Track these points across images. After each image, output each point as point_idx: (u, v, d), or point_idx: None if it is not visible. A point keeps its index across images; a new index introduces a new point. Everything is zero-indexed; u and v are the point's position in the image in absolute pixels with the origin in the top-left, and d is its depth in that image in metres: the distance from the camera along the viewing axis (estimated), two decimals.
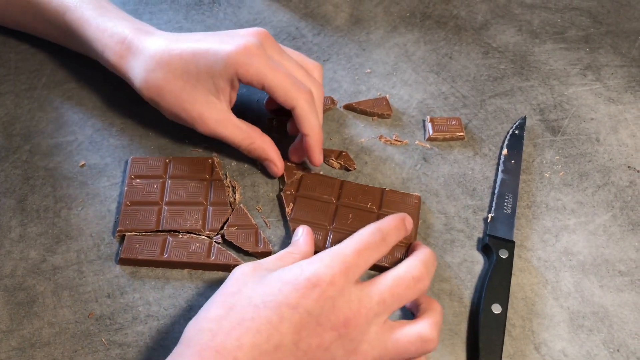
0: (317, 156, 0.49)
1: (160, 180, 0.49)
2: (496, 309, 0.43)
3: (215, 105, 0.48)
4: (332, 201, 0.49)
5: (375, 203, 0.49)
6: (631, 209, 0.51)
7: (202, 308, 0.38)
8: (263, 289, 0.37)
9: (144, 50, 0.48)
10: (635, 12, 0.69)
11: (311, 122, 0.47)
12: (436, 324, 0.40)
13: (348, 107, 0.57)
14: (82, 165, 0.51)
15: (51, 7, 0.53)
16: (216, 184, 0.49)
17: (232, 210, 0.48)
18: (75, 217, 0.48)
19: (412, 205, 0.49)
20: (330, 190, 0.50)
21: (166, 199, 0.48)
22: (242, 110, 0.55)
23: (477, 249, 0.48)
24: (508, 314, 0.44)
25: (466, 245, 0.48)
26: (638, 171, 0.54)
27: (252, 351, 0.35)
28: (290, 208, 0.48)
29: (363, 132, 0.55)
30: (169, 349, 0.41)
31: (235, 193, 0.49)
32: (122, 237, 0.46)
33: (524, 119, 0.57)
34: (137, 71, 0.48)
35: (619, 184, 0.53)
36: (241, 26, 0.64)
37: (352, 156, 0.53)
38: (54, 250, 0.46)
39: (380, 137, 0.55)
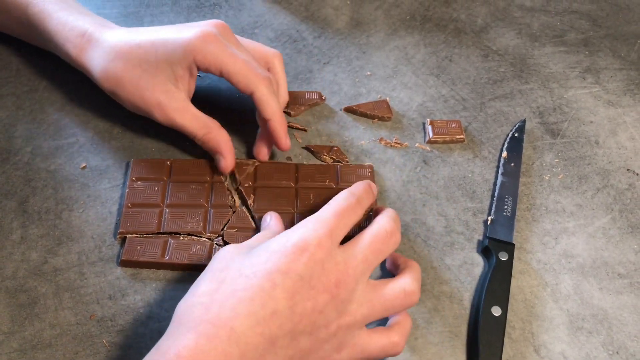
0: (284, 140, 0.49)
1: (162, 183, 0.49)
2: (496, 311, 0.43)
3: (174, 94, 0.48)
4: (291, 185, 0.50)
5: (332, 179, 0.50)
6: (630, 211, 0.51)
7: (191, 287, 0.37)
8: (251, 261, 0.37)
9: (104, 41, 0.49)
10: (634, 16, 0.69)
11: (272, 107, 0.48)
12: (417, 278, 0.41)
13: (348, 110, 0.57)
14: (84, 167, 0.52)
15: (13, 0, 0.53)
16: (217, 186, 0.49)
17: (233, 212, 0.48)
18: (76, 219, 0.48)
19: (366, 176, 0.51)
20: (287, 175, 0.50)
21: (167, 201, 0.48)
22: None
23: (477, 252, 0.48)
24: (508, 316, 0.44)
25: (466, 248, 0.48)
26: (637, 174, 0.54)
27: (248, 319, 0.34)
28: (252, 199, 0.49)
29: (363, 134, 0.56)
30: None
31: (233, 198, 0.49)
32: (123, 239, 0.47)
33: (524, 121, 0.57)
34: (97, 62, 0.49)
35: (618, 187, 0.53)
36: (242, 29, 0.65)
37: (352, 159, 0.53)
38: (55, 252, 0.46)
39: (381, 139, 0.55)
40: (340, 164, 0.52)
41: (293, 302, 0.36)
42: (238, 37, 0.51)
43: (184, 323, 0.35)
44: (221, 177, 0.50)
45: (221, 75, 0.47)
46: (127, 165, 0.51)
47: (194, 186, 0.49)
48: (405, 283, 0.40)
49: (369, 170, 0.51)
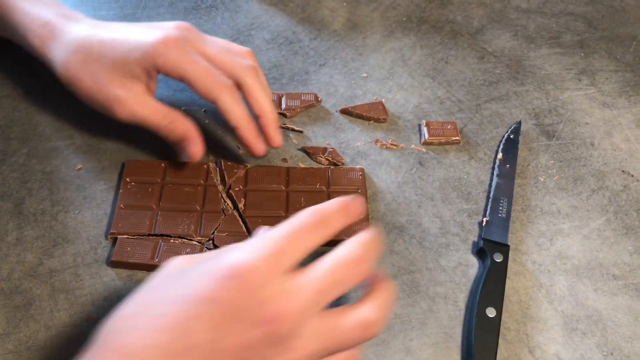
0: (255, 145, 0.48)
1: (155, 185, 0.49)
2: (491, 312, 0.44)
3: (132, 88, 0.47)
4: (282, 189, 0.50)
5: (323, 183, 0.50)
6: (625, 213, 0.51)
7: (123, 304, 0.33)
8: (183, 282, 0.33)
9: (66, 34, 0.49)
10: (629, 18, 0.69)
11: (236, 114, 0.47)
12: (381, 305, 0.35)
13: (344, 111, 0.58)
14: (79, 169, 0.52)
15: None
16: (210, 190, 0.49)
17: (225, 216, 0.48)
18: (72, 220, 0.48)
19: (357, 179, 0.51)
20: (278, 179, 0.50)
21: (160, 203, 0.48)
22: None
23: (472, 253, 0.48)
24: (502, 318, 0.44)
25: (461, 249, 0.48)
26: (632, 175, 0.54)
27: (160, 351, 0.30)
28: (242, 203, 0.49)
29: (359, 136, 0.56)
30: None
31: (226, 203, 0.49)
32: (115, 240, 0.47)
33: (519, 123, 0.57)
34: (58, 54, 0.49)
35: (613, 188, 0.53)
36: (239, 31, 0.65)
37: (348, 160, 0.54)
38: (51, 254, 0.46)
39: (376, 141, 0.55)
40: (331, 167, 0.52)
41: (216, 335, 0.31)
42: (214, 38, 0.50)
43: (97, 347, 0.32)
44: (215, 180, 0.50)
45: (182, 81, 0.46)
46: (122, 166, 0.52)
47: (187, 189, 0.49)
48: (366, 313, 0.34)
49: (360, 173, 0.51)
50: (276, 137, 0.49)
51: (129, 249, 0.45)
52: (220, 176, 0.51)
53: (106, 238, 0.47)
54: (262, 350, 0.32)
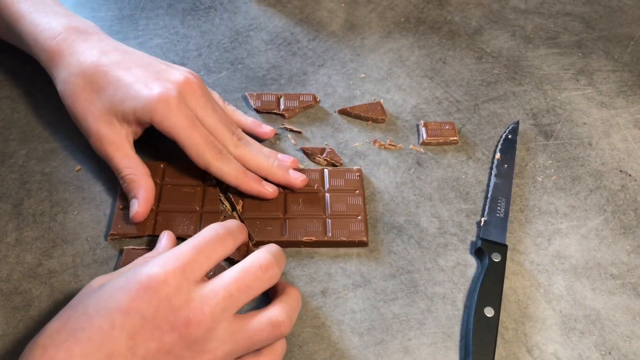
0: (265, 192, 0.48)
1: (155, 186, 0.49)
2: (489, 312, 0.44)
3: (115, 129, 0.48)
4: (280, 190, 0.50)
5: (321, 184, 0.51)
6: (623, 212, 0.52)
7: (48, 323, 0.36)
8: (98, 297, 0.36)
9: (74, 55, 0.49)
10: (627, 18, 0.69)
11: (232, 175, 0.47)
12: (287, 307, 0.39)
13: (342, 112, 0.58)
14: (78, 170, 0.52)
15: None
16: (209, 191, 0.50)
17: (224, 217, 0.48)
18: (71, 221, 0.48)
19: (354, 180, 0.51)
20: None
21: (159, 204, 0.48)
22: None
23: (470, 253, 0.48)
24: (501, 317, 0.44)
25: (459, 249, 0.48)
26: (630, 175, 0.54)
27: None
28: (241, 205, 0.49)
29: (357, 136, 0.56)
30: None
31: (224, 204, 0.49)
32: (120, 250, 0.46)
33: (517, 123, 0.57)
34: (62, 71, 0.49)
35: (611, 188, 0.53)
36: (237, 32, 0.65)
37: (346, 160, 0.54)
38: (50, 255, 0.46)
39: (375, 141, 0.55)
40: (329, 169, 0.52)
41: (134, 343, 0.34)
42: (216, 98, 0.51)
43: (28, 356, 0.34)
44: (214, 181, 0.50)
45: (175, 141, 0.47)
46: None
47: (186, 190, 0.49)
48: (274, 313, 0.38)
49: (358, 174, 0.51)
50: (292, 181, 0.49)
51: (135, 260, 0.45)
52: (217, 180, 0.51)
53: (106, 239, 0.47)
54: (179, 353, 0.35)
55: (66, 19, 0.51)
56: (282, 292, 0.41)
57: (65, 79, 0.49)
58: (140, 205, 0.46)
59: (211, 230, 0.40)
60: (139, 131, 0.49)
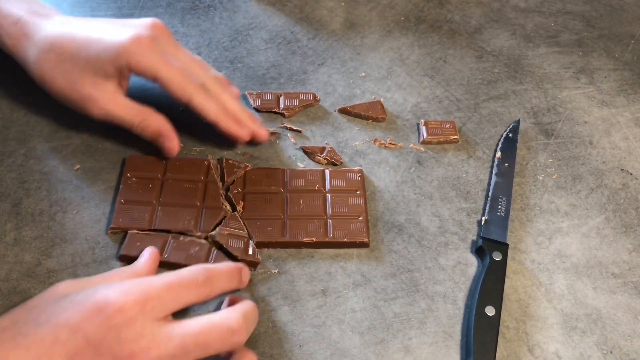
0: (240, 133, 0.49)
1: (156, 180, 0.49)
2: (490, 311, 0.43)
3: (104, 87, 0.48)
4: (281, 191, 0.50)
5: (322, 184, 0.50)
6: (624, 211, 0.51)
7: None
8: (54, 308, 0.35)
9: (38, 32, 0.49)
10: (627, 16, 0.69)
11: (212, 111, 0.48)
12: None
13: (343, 111, 0.57)
14: (77, 169, 0.51)
15: None
16: (210, 186, 0.49)
17: (225, 216, 0.48)
18: (70, 220, 0.48)
19: (356, 180, 0.50)
20: (277, 181, 0.50)
21: (160, 198, 0.48)
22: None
23: (471, 252, 0.48)
24: (502, 316, 0.44)
25: (460, 248, 0.48)
26: (631, 174, 0.54)
27: None
28: (241, 206, 0.49)
29: (357, 135, 0.56)
30: None
31: (224, 205, 0.49)
32: (121, 237, 0.46)
33: (518, 122, 0.57)
34: (31, 53, 0.49)
35: (612, 187, 0.53)
36: (237, 30, 0.65)
37: (346, 159, 0.53)
38: (49, 254, 0.46)
39: (375, 140, 0.55)
40: (330, 169, 0.51)
41: None
42: (186, 50, 0.51)
43: None
44: (216, 177, 0.50)
45: (155, 81, 0.47)
46: (123, 163, 0.51)
47: (187, 185, 0.49)
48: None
49: (359, 174, 0.51)
50: (259, 132, 0.51)
51: (138, 244, 0.45)
52: (220, 174, 0.51)
53: (106, 232, 0.47)
54: None
55: (27, 4, 0.51)
56: (240, 357, 0.38)
57: (35, 58, 0.48)
58: (169, 138, 0.48)
59: (191, 273, 0.39)
60: (125, 83, 0.49)
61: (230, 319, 0.37)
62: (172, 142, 0.49)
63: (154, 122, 0.49)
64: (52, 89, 0.49)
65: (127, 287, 0.36)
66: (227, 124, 0.49)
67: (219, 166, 0.51)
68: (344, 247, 0.47)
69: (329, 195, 0.50)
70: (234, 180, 0.50)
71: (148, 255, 0.44)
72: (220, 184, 0.50)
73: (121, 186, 0.49)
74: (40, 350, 0.33)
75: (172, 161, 0.51)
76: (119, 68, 0.46)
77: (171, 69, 0.46)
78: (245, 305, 0.39)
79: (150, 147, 0.53)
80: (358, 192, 0.50)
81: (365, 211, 0.49)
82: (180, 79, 0.46)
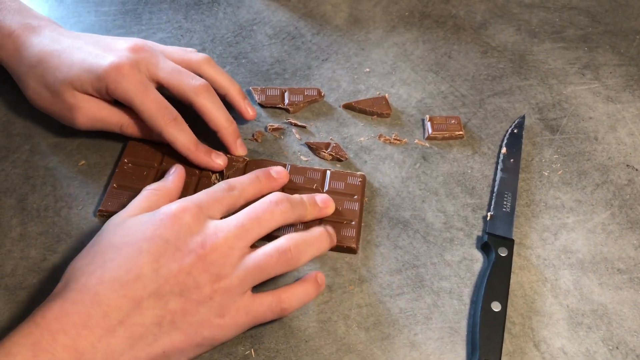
0: (210, 164, 0.50)
1: (151, 169, 0.50)
2: (496, 306, 0.43)
3: (86, 99, 0.48)
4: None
5: (321, 184, 0.50)
6: (630, 207, 0.51)
7: (77, 256, 0.40)
8: (122, 232, 0.40)
9: (29, 48, 0.49)
10: (633, 12, 0.69)
11: (183, 143, 0.48)
12: (296, 238, 0.41)
13: (347, 107, 0.57)
14: (82, 164, 0.51)
15: None
16: (203, 181, 0.50)
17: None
18: (75, 216, 0.48)
19: (356, 185, 0.50)
20: None
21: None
22: None
23: (477, 247, 0.48)
24: (508, 312, 0.44)
25: (465, 244, 0.48)
26: (636, 169, 0.54)
27: (112, 284, 0.37)
28: None
29: (362, 131, 0.56)
30: None
31: None
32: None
33: (523, 117, 0.57)
34: (21, 68, 0.50)
35: (617, 183, 0.53)
36: (241, 26, 0.65)
37: (351, 155, 0.53)
38: (55, 250, 0.46)
39: (380, 136, 0.55)
40: (332, 170, 0.51)
41: (158, 265, 0.38)
42: (163, 47, 0.52)
43: (63, 289, 0.37)
44: (209, 172, 0.50)
45: (130, 107, 0.48)
46: (124, 145, 0.52)
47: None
48: (280, 242, 0.41)
49: (360, 179, 0.50)
50: (236, 148, 0.51)
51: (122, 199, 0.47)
52: None
53: (93, 215, 0.47)
54: (198, 276, 0.38)
55: (21, 16, 0.52)
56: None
57: (24, 72, 0.49)
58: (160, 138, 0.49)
59: (219, 185, 0.44)
60: (107, 99, 0.49)
61: (271, 195, 0.43)
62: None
63: (139, 123, 0.50)
64: (39, 102, 0.50)
65: (180, 200, 0.41)
66: (198, 158, 0.49)
67: None
68: (331, 250, 0.47)
69: (328, 194, 0.49)
70: (233, 173, 0.50)
71: (175, 171, 0.47)
72: (213, 178, 0.50)
73: (116, 170, 0.49)
74: (130, 264, 0.38)
75: (171, 152, 0.50)
76: (98, 90, 0.48)
77: (146, 100, 0.47)
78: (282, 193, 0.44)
79: (152, 143, 0.53)
80: (356, 197, 0.49)
81: (359, 217, 0.48)
82: (153, 111, 0.47)
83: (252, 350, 0.42)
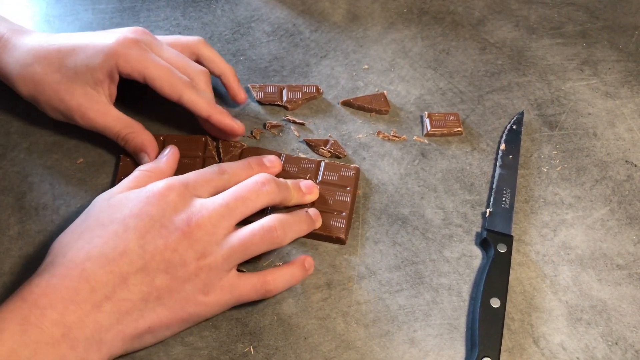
0: (233, 126, 0.49)
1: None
2: (495, 303, 0.43)
3: (94, 97, 0.48)
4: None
5: (314, 174, 0.50)
6: (629, 203, 0.51)
7: (64, 232, 0.41)
8: (110, 210, 0.40)
9: (21, 45, 0.49)
10: (631, 7, 0.69)
11: (203, 106, 0.48)
12: (281, 218, 0.42)
13: (346, 103, 0.57)
14: (80, 162, 0.51)
15: None
16: (208, 162, 0.50)
17: None
18: (73, 214, 0.48)
19: (349, 177, 0.50)
20: None
21: None
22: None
23: (476, 244, 0.48)
24: (507, 308, 0.44)
25: (465, 240, 0.48)
26: (635, 165, 0.54)
27: (99, 260, 0.38)
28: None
29: (361, 128, 0.55)
30: (167, 344, 0.41)
31: None
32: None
33: (522, 114, 0.57)
34: (13, 67, 0.49)
35: (616, 178, 0.53)
36: (239, 23, 0.64)
37: (350, 152, 0.53)
38: None
39: (378, 133, 0.55)
40: (326, 161, 0.51)
41: (144, 241, 0.39)
42: (157, 36, 0.52)
43: (49, 264, 0.38)
44: (213, 153, 0.50)
45: (144, 81, 0.47)
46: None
47: (185, 161, 0.49)
48: (265, 220, 0.42)
49: (354, 171, 0.50)
50: (240, 91, 0.53)
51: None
52: (216, 153, 0.51)
53: None
54: (184, 253, 0.39)
55: (7, 23, 0.51)
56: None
57: (18, 73, 0.48)
58: (150, 156, 0.49)
59: (210, 167, 0.45)
60: (113, 89, 0.49)
61: (257, 176, 0.44)
62: (150, 159, 0.49)
63: (139, 136, 0.49)
64: (40, 102, 0.49)
65: (168, 180, 0.42)
66: (221, 117, 0.49)
67: (215, 145, 0.51)
68: (321, 240, 0.47)
69: (318, 186, 0.49)
70: (230, 159, 0.50)
71: (169, 152, 0.48)
72: (217, 161, 0.50)
73: (120, 163, 0.49)
74: (116, 240, 0.38)
75: (169, 139, 0.50)
76: (109, 71, 0.47)
77: (159, 66, 0.47)
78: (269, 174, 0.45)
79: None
80: (348, 188, 0.49)
81: (350, 209, 0.48)
82: (168, 77, 0.47)
83: (251, 347, 0.42)
